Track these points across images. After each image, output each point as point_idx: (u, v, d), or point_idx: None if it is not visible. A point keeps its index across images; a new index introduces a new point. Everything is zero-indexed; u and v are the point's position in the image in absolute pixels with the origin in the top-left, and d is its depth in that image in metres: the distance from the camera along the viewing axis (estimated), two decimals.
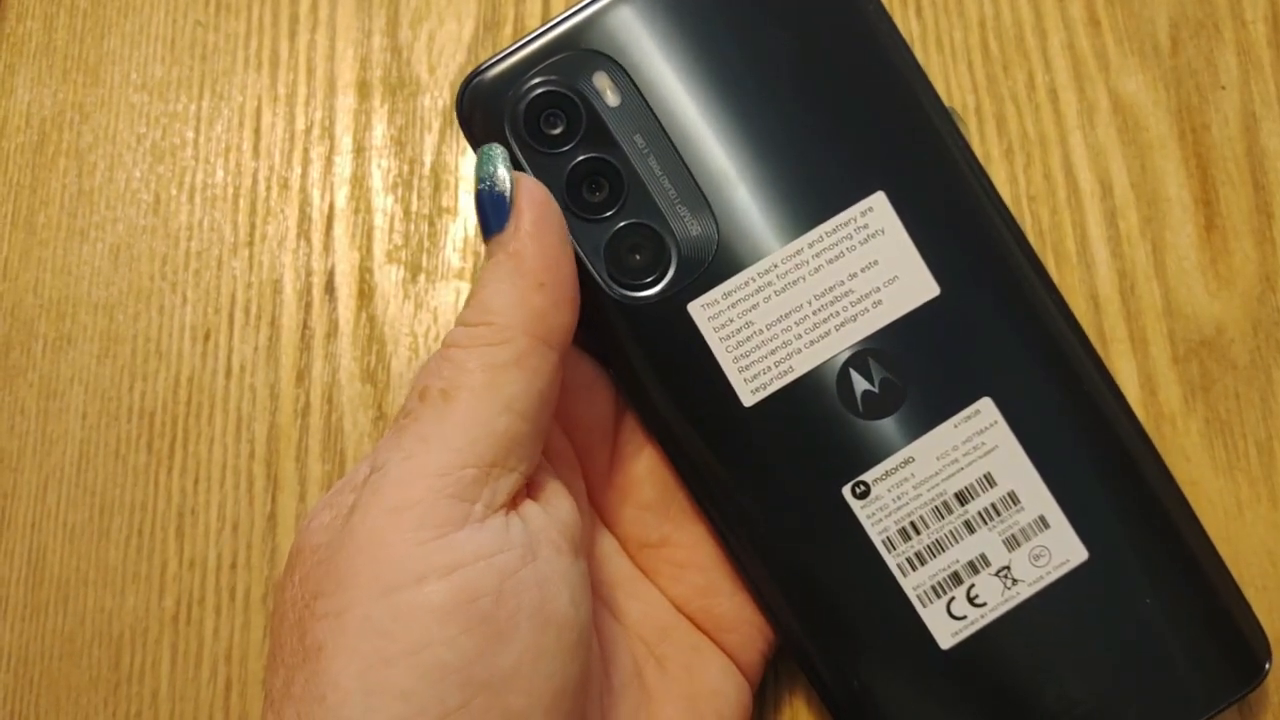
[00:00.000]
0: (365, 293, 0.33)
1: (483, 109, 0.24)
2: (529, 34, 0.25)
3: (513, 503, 0.22)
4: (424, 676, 0.19)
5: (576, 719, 0.22)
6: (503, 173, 0.23)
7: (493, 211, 0.23)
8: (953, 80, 0.33)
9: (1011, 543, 0.24)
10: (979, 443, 0.25)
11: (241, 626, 0.31)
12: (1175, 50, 0.33)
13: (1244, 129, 0.32)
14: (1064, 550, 0.24)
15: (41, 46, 0.35)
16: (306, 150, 0.34)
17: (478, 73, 0.24)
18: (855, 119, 0.25)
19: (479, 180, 0.23)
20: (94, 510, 0.32)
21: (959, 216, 0.25)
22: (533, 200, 0.23)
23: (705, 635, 0.26)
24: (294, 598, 0.21)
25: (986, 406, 0.24)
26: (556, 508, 0.23)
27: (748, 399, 0.24)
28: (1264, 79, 0.32)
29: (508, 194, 0.23)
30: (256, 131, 0.34)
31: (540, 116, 0.24)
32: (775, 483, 0.25)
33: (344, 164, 0.34)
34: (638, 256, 0.24)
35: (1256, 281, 0.31)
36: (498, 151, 0.23)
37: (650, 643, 0.25)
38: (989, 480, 0.25)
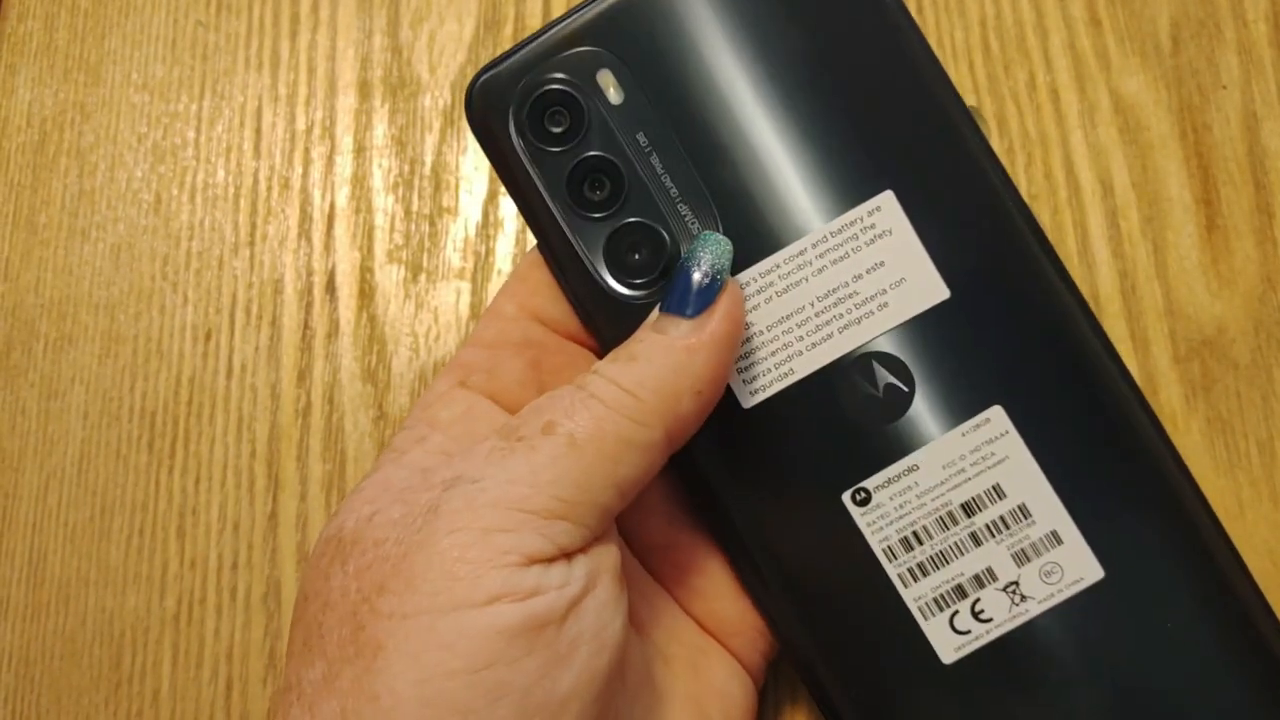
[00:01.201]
0: (366, 292, 0.33)
1: (489, 107, 0.24)
2: (536, 32, 0.25)
3: (583, 548, 0.22)
4: (484, 695, 0.19)
5: None
6: (724, 269, 0.23)
7: (692, 296, 0.22)
8: (954, 80, 0.33)
9: (1021, 558, 0.24)
10: (988, 453, 0.24)
11: (242, 626, 0.31)
12: (1176, 50, 0.33)
13: (1245, 129, 0.32)
14: (1078, 568, 0.23)
15: (43, 46, 0.35)
16: (307, 150, 0.34)
17: (485, 71, 0.24)
18: (864, 115, 0.24)
19: (697, 262, 0.23)
20: (95, 510, 0.32)
21: (973, 217, 0.24)
22: (730, 313, 0.22)
23: (710, 637, 0.26)
24: (345, 587, 0.21)
25: (997, 415, 0.24)
26: (609, 537, 0.23)
27: (747, 401, 0.24)
28: (1265, 78, 0.32)
29: (715, 290, 0.22)
30: (257, 131, 0.34)
31: (544, 114, 0.24)
32: (774, 487, 0.24)
33: (345, 164, 0.34)
34: (638, 255, 0.24)
35: (1258, 281, 0.31)
36: (727, 248, 0.23)
37: (659, 644, 0.26)
38: (998, 492, 0.24)
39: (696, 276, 0.23)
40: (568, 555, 0.21)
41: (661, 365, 0.22)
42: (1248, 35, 0.33)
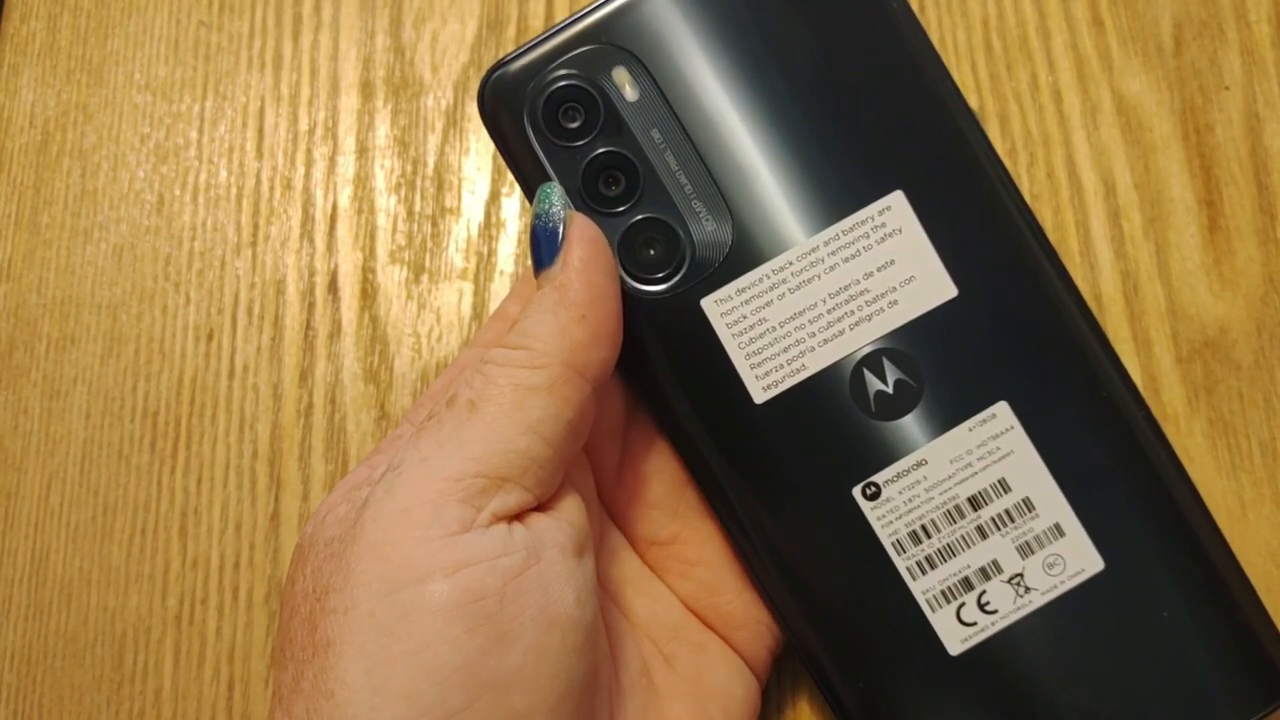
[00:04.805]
0: (368, 293, 0.33)
1: (504, 102, 0.25)
2: (551, 28, 0.25)
3: (519, 515, 0.22)
4: (428, 677, 0.19)
5: (584, 718, 0.22)
6: (557, 210, 0.23)
7: (545, 246, 0.23)
8: (956, 80, 0.33)
9: (1025, 550, 0.24)
10: (994, 447, 0.24)
11: (244, 626, 0.31)
12: (1179, 50, 0.33)
13: (1248, 129, 0.32)
14: (1079, 560, 0.24)
15: (45, 47, 0.35)
16: (310, 150, 0.34)
17: (500, 65, 0.25)
18: (875, 117, 0.25)
19: (535, 216, 0.23)
20: (97, 510, 0.32)
21: (980, 217, 0.25)
22: (582, 237, 0.23)
23: (713, 633, 0.26)
24: (305, 591, 0.21)
25: (1002, 411, 0.24)
26: (563, 511, 0.23)
27: (759, 396, 0.24)
28: (1267, 79, 0.32)
29: (560, 230, 0.23)
30: (260, 132, 0.34)
31: (559, 110, 0.24)
32: (785, 481, 0.25)
33: (347, 164, 0.34)
34: (652, 251, 0.24)
35: (1260, 282, 0.31)
36: (555, 190, 0.24)
37: (659, 641, 0.25)
38: (1003, 486, 0.24)
39: (545, 226, 0.23)
40: (506, 520, 0.21)
41: (541, 311, 0.22)
42: (1250, 36, 0.33)
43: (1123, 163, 0.32)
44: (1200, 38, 0.33)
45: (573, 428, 0.22)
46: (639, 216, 0.24)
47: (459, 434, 0.21)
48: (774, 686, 0.29)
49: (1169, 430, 0.30)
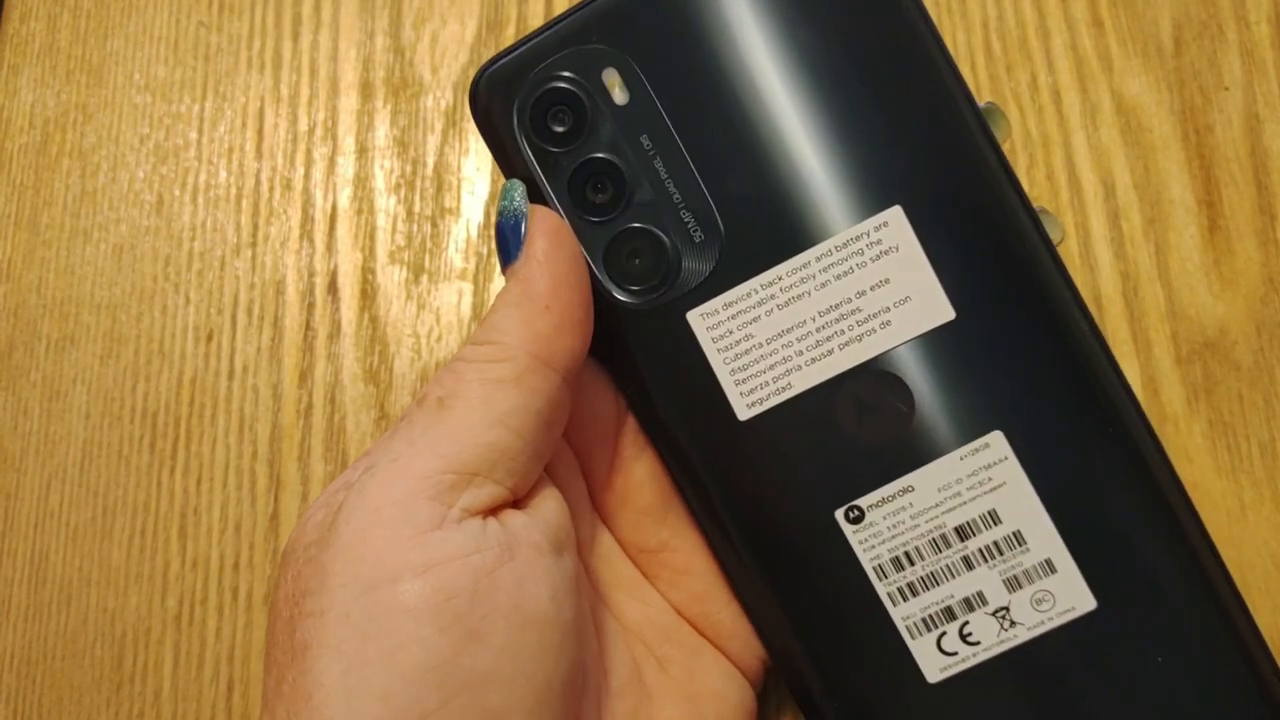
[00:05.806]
0: (368, 293, 0.33)
1: (493, 102, 0.24)
2: (543, 25, 0.24)
3: (493, 510, 0.22)
4: (402, 677, 0.19)
5: (566, 718, 0.22)
6: (519, 204, 0.23)
7: (510, 241, 0.23)
8: None
9: (1013, 584, 0.23)
10: (985, 478, 0.23)
11: (244, 627, 0.31)
12: (1178, 51, 0.33)
13: (1247, 130, 0.32)
14: (1070, 597, 0.23)
15: (45, 47, 0.35)
16: (309, 151, 0.34)
17: (489, 65, 0.24)
18: (877, 125, 0.23)
19: (498, 214, 0.23)
20: (97, 510, 0.32)
21: (985, 236, 0.23)
22: (544, 228, 0.23)
23: (706, 640, 0.26)
24: (286, 595, 0.21)
25: (997, 441, 0.23)
26: (540, 509, 0.23)
27: (743, 413, 0.24)
28: (1267, 80, 0.32)
29: (523, 225, 0.23)
30: (259, 132, 0.34)
31: (547, 113, 0.24)
32: (766, 500, 0.24)
33: (347, 165, 0.34)
34: (638, 261, 0.24)
35: (1260, 283, 0.31)
36: (517, 186, 0.24)
37: (651, 644, 0.25)
38: (993, 517, 0.23)
39: (508, 222, 0.23)
40: (480, 515, 0.21)
41: (506, 305, 0.23)
42: (1250, 36, 0.33)
43: (1122, 164, 0.32)
44: (1200, 38, 0.33)
45: (543, 418, 0.22)
46: (625, 226, 0.24)
47: (428, 432, 0.21)
48: (772, 692, 0.29)
49: (1169, 431, 0.30)
